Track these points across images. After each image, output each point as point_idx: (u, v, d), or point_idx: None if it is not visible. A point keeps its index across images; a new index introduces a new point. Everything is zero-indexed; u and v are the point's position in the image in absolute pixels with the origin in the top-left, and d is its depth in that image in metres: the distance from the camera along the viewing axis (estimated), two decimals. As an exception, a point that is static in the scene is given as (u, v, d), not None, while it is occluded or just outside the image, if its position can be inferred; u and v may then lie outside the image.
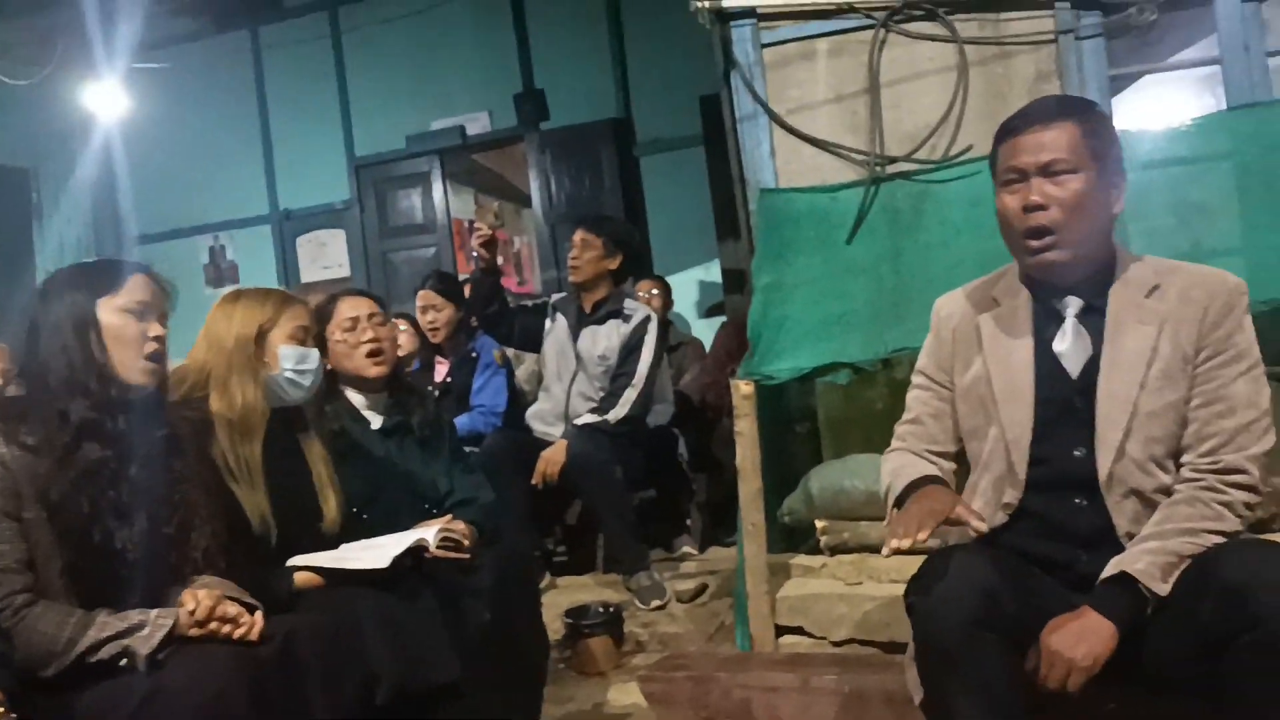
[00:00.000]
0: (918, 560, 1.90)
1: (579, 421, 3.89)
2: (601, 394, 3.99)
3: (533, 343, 4.25)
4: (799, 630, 3.00)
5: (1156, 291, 1.88)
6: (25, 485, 1.78)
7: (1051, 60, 3.47)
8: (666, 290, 5.46)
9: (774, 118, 3.61)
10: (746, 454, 3.00)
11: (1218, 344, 1.83)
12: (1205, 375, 1.83)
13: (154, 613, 1.79)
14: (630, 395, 3.92)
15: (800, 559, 3.20)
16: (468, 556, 2.44)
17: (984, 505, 1.96)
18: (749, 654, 2.98)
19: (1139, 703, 1.83)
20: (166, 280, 2.05)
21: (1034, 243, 1.88)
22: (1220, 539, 1.74)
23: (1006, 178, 1.92)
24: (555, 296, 4.33)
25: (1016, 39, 3.48)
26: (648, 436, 4.18)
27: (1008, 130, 1.94)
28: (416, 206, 7.54)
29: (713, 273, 6.65)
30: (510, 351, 4.68)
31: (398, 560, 2.25)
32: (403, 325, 4.63)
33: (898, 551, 1.74)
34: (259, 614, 1.90)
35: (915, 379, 2.13)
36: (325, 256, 7.72)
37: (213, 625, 1.81)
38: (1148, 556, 1.73)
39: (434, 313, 4.51)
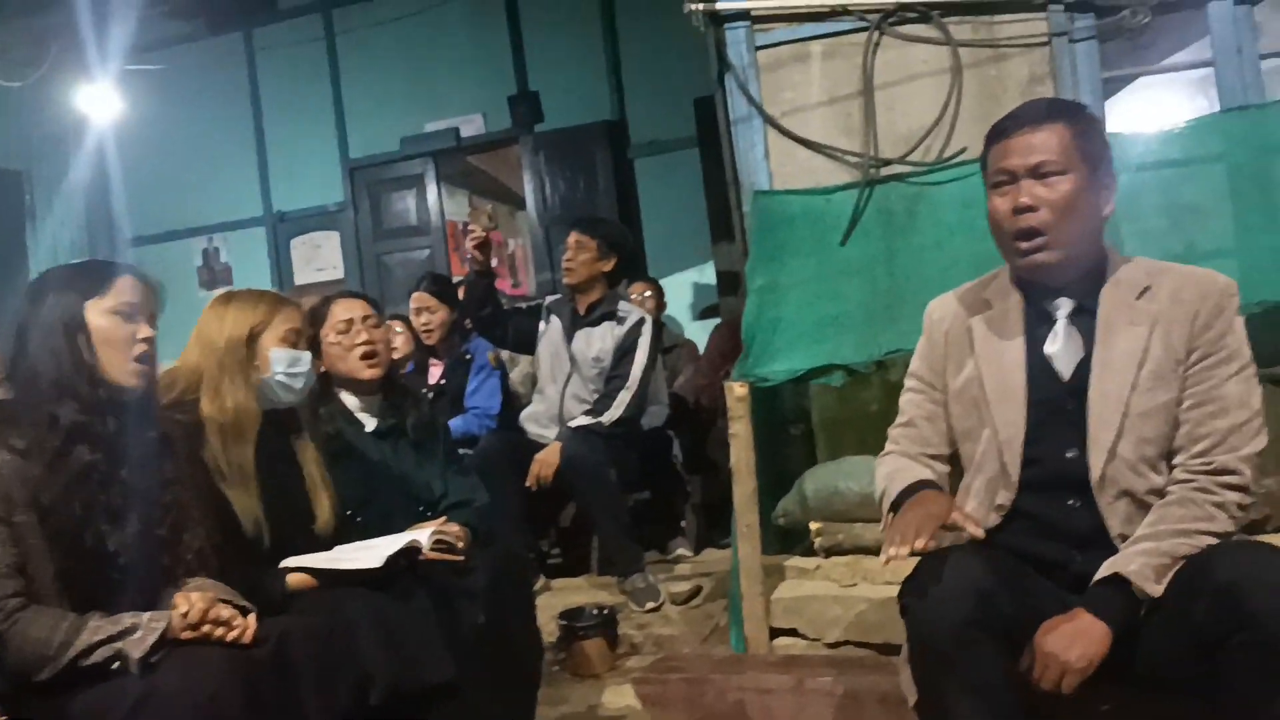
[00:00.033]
0: (912, 561, 1.90)
1: (573, 423, 3.89)
2: (596, 396, 3.99)
3: (527, 345, 4.25)
4: (793, 632, 3.00)
5: (1147, 293, 1.89)
6: (16, 489, 1.77)
7: (1045, 63, 3.47)
8: (659, 292, 5.46)
9: (768, 120, 3.61)
10: (741, 456, 3.00)
11: (1209, 345, 1.83)
12: (1197, 376, 1.84)
13: (146, 616, 1.78)
14: (624, 397, 3.91)
15: (795, 561, 3.20)
16: (461, 558, 2.44)
17: (977, 506, 1.96)
18: (743, 656, 2.98)
19: (1133, 703, 1.84)
20: (155, 281, 2.03)
21: (1024, 244, 1.89)
22: (1213, 540, 1.75)
23: (996, 180, 1.93)
24: (549, 298, 4.33)
25: (1010, 41, 3.49)
26: (642, 438, 4.18)
27: (998, 132, 1.95)
28: (411, 208, 7.54)
29: (707, 275, 6.66)
30: (505, 353, 4.68)
31: (391, 561, 2.24)
32: (398, 327, 4.63)
33: (895, 559, 1.74)
34: (252, 616, 1.89)
35: (908, 382, 2.14)
36: (319, 258, 7.71)
37: (206, 628, 1.80)
38: (1141, 558, 1.73)
39: (428, 314, 4.51)
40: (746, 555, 2.98)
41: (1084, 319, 1.92)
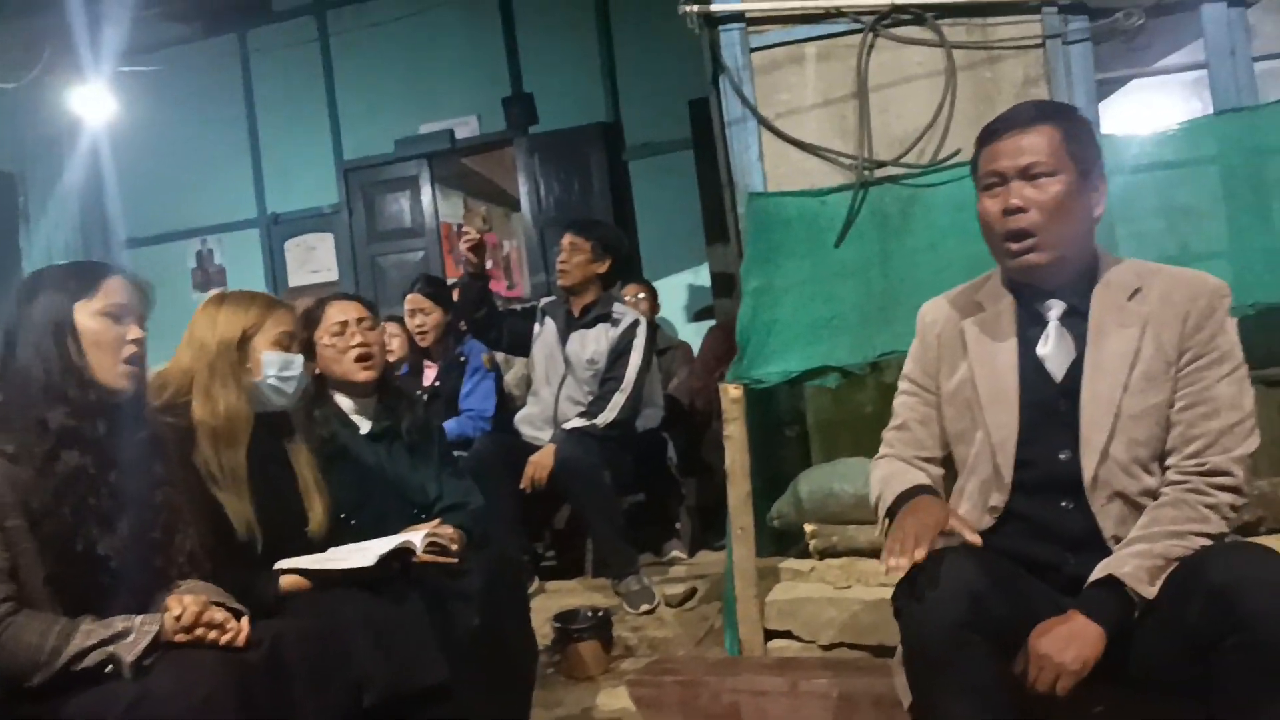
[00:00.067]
0: (909, 566, 1.90)
1: (567, 426, 3.89)
2: (590, 398, 3.99)
3: (521, 347, 4.25)
4: (788, 634, 2.99)
5: (1138, 294, 1.89)
6: (6, 493, 1.76)
7: (1039, 65, 3.48)
8: (653, 294, 5.46)
9: (763, 122, 3.61)
10: (735, 458, 3.00)
11: (1200, 346, 1.84)
12: (1189, 378, 1.84)
13: (139, 619, 1.78)
14: (619, 399, 3.92)
15: (789, 563, 3.20)
16: (455, 561, 2.43)
17: (971, 508, 1.96)
18: (738, 658, 2.98)
19: (1127, 705, 1.84)
20: (144, 281, 2.02)
21: (1014, 245, 1.90)
22: (1206, 541, 1.75)
23: (987, 181, 1.94)
24: (544, 300, 4.33)
25: (1004, 43, 3.49)
26: (637, 440, 4.18)
27: (988, 135, 1.96)
28: (405, 210, 7.53)
29: (702, 276, 6.66)
30: (500, 356, 4.68)
31: (384, 560, 2.24)
32: (393, 329, 4.62)
33: (895, 569, 1.73)
34: (245, 620, 1.88)
35: (901, 385, 2.14)
36: (313, 260, 7.70)
37: (199, 631, 1.80)
38: (1135, 559, 1.73)
39: (422, 316, 4.51)
40: (741, 557, 2.98)
41: (1075, 321, 1.92)
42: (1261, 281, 2.93)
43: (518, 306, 4.59)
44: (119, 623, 1.76)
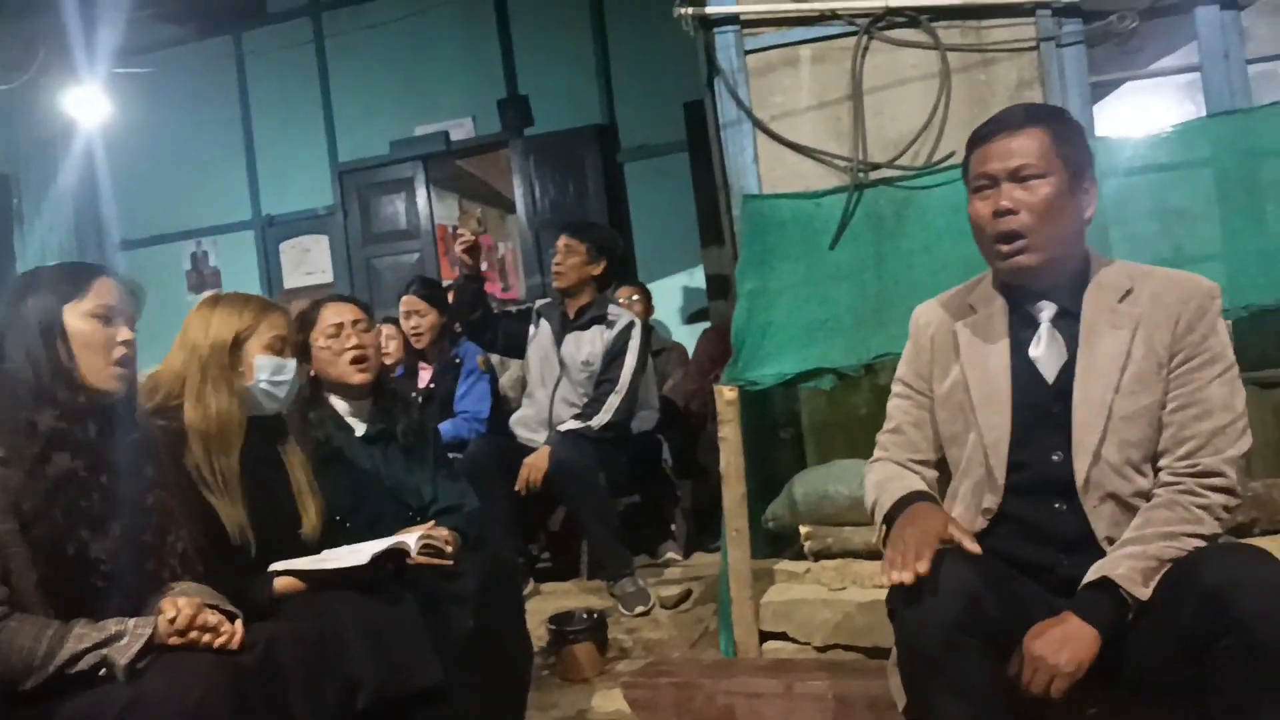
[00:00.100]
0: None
1: (562, 428, 3.89)
2: (585, 400, 3.98)
3: (516, 348, 4.24)
4: (783, 636, 3.00)
5: (1129, 296, 1.90)
6: (-3, 498, 1.75)
7: (1033, 67, 3.49)
8: (647, 296, 5.45)
9: (757, 124, 3.62)
10: (730, 460, 3.00)
11: (1192, 348, 1.84)
12: (1180, 379, 1.84)
13: (132, 622, 1.77)
14: (614, 401, 3.91)
15: (784, 564, 3.20)
16: (450, 563, 2.43)
17: (964, 510, 1.96)
18: (733, 660, 2.98)
19: (1121, 706, 1.84)
20: (133, 282, 2.01)
21: (1004, 247, 1.90)
22: (1200, 542, 1.75)
23: (978, 184, 1.95)
24: (539, 302, 4.33)
25: (998, 46, 3.50)
26: (632, 442, 4.18)
27: (978, 138, 1.96)
28: (400, 212, 7.53)
29: (697, 278, 6.66)
30: (495, 358, 4.68)
31: (378, 560, 2.23)
32: (390, 331, 4.62)
33: (898, 582, 1.73)
34: (239, 622, 1.88)
35: (895, 387, 2.14)
36: (308, 262, 7.69)
37: (193, 635, 1.79)
38: (1128, 561, 1.74)
39: (417, 318, 4.51)
40: (736, 559, 2.98)
41: (1067, 322, 1.93)
42: (1255, 284, 2.94)
43: (513, 308, 4.58)
44: (112, 625, 1.76)
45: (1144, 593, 1.71)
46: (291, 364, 2.38)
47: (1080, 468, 1.85)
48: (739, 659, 2.96)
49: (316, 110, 7.56)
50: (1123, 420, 1.85)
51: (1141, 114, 5.48)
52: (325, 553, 2.33)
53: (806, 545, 3.15)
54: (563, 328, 4.08)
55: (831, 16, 3.56)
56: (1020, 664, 1.74)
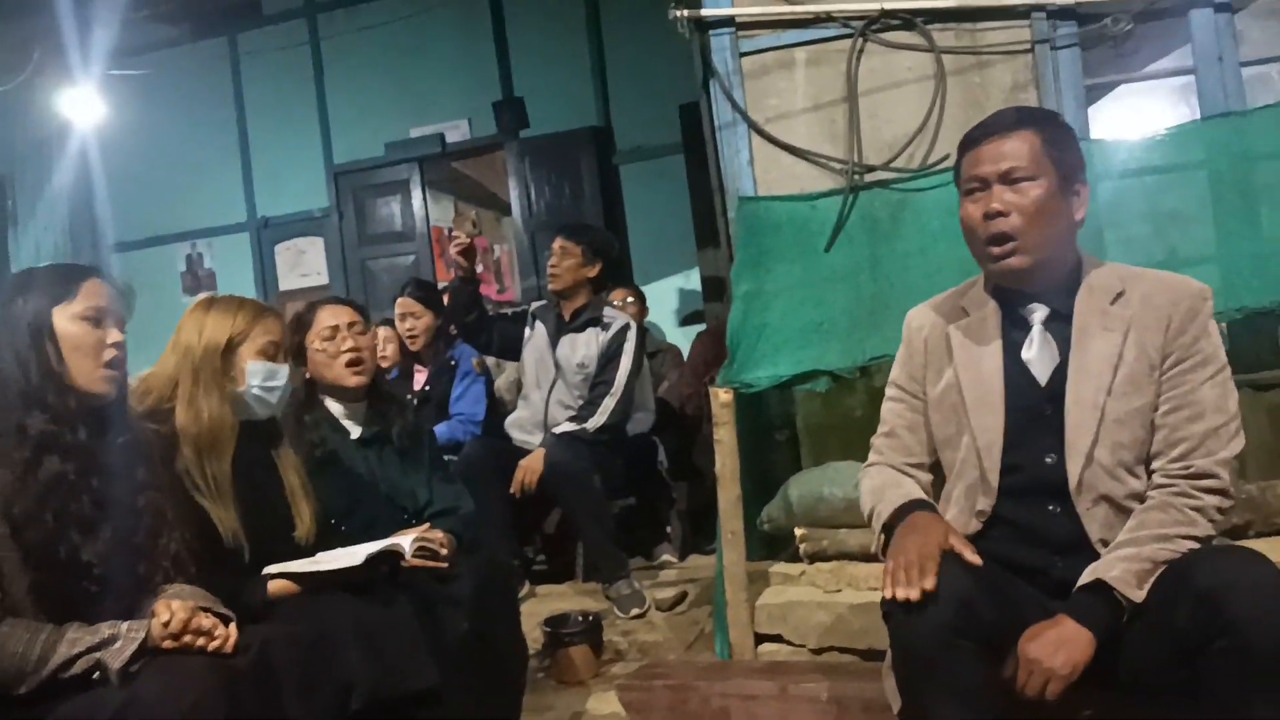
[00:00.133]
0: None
1: (558, 430, 3.89)
2: (580, 402, 3.98)
3: (512, 351, 4.24)
4: (778, 638, 3.00)
5: (1121, 298, 1.91)
6: (-12, 502, 1.74)
7: (1028, 70, 3.49)
8: (641, 298, 5.45)
9: (753, 126, 3.62)
10: (725, 462, 3.00)
11: (1183, 349, 1.85)
12: (1172, 381, 1.85)
13: (125, 625, 1.76)
14: (609, 403, 3.91)
15: (779, 566, 3.20)
16: (445, 565, 2.43)
17: (958, 513, 1.97)
18: (728, 662, 2.98)
19: (1116, 708, 1.84)
20: (124, 284, 2.00)
21: (995, 249, 1.91)
22: (1194, 544, 1.76)
23: (969, 187, 1.96)
24: (534, 304, 4.33)
25: (993, 48, 3.50)
26: (627, 444, 4.18)
27: (970, 141, 1.97)
28: (395, 214, 7.54)
29: (692, 281, 6.67)
30: (491, 360, 4.68)
31: (372, 563, 2.23)
32: (387, 334, 4.61)
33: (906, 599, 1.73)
34: (233, 625, 1.87)
35: (889, 391, 2.15)
36: (303, 264, 7.70)
37: (187, 638, 1.78)
38: (1122, 564, 1.74)
39: (412, 320, 4.51)
40: (731, 561, 2.98)
41: (1059, 325, 1.94)
42: (1249, 286, 2.94)
43: (508, 310, 4.58)
44: (105, 629, 1.75)
45: (1138, 595, 1.71)
46: (284, 370, 2.36)
47: (1073, 470, 1.86)
48: (734, 661, 2.96)
49: (312, 112, 7.56)
50: (1115, 422, 1.85)
51: (1136, 117, 5.49)
52: (319, 555, 2.33)
53: (802, 547, 3.15)
54: (558, 330, 4.08)
55: (826, 19, 3.56)
56: (1015, 666, 1.74)
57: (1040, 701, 1.70)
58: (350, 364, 2.74)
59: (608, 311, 4.12)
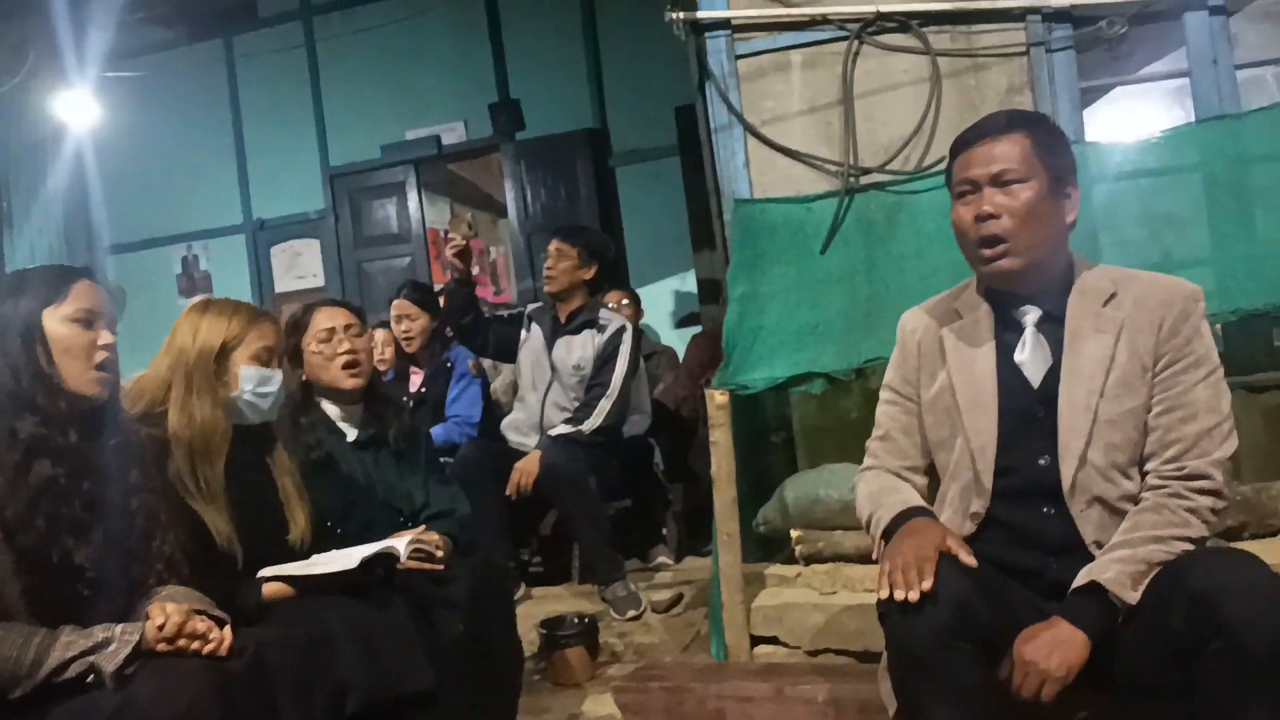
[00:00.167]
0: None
1: (553, 432, 3.89)
2: (576, 404, 3.98)
3: (508, 353, 4.24)
4: (774, 640, 3.00)
5: (1113, 300, 1.91)
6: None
7: (1023, 72, 3.50)
8: (636, 301, 5.45)
9: (749, 129, 3.62)
10: (721, 463, 3.00)
11: (1176, 351, 1.85)
12: (1165, 382, 1.85)
13: (119, 628, 1.76)
14: (605, 405, 3.91)
15: (775, 568, 3.20)
16: (440, 567, 2.43)
17: (952, 515, 1.97)
18: (724, 664, 2.98)
19: (1111, 710, 1.84)
20: (113, 285, 1.99)
21: (987, 251, 1.91)
22: (1188, 545, 1.76)
23: (960, 190, 1.96)
24: (530, 306, 4.33)
25: (988, 51, 3.51)
26: (623, 446, 4.18)
27: (961, 144, 1.98)
28: (391, 216, 7.53)
29: (688, 283, 6.67)
30: (487, 362, 4.67)
31: (368, 565, 2.22)
32: (385, 337, 4.61)
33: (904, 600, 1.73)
34: (227, 628, 1.86)
35: (883, 394, 2.15)
36: (299, 266, 7.69)
37: (181, 642, 1.77)
38: (1117, 565, 1.74)
39: (408, 322, 4.50)
40: (727, 563, 2.99)
41: (1052, 327, 1.94)
42: (1244, 288, 2.95)
43: (504, 312, 4.58)
44: (99, 632, 1.74)
45: (1133, 597, 1.72)
46: (277, 375, 2.35)
47: (1066, 472, 1.86)
48: (730, 663, 2.96)
49: (307, 114, 7.56)
50: (1108, 424, 1.85)
51: (1131, 119, 5.49)
52: (314, 557, 2.32)
53: (797, 549, 3.16)
54: (554, 332, 4.08)
55: (822, 21, 3.56)
56: (1011, 668, 1.74)
57: (1036, 703, 1.71)
58: (347, 366, 2.73)
59: (604, 314, 4.12)
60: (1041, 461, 1.89)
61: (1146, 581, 1.73)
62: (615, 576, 3.75)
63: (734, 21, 3.62)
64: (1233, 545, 2.56)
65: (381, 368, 4.44)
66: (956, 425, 1.97)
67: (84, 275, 1.94)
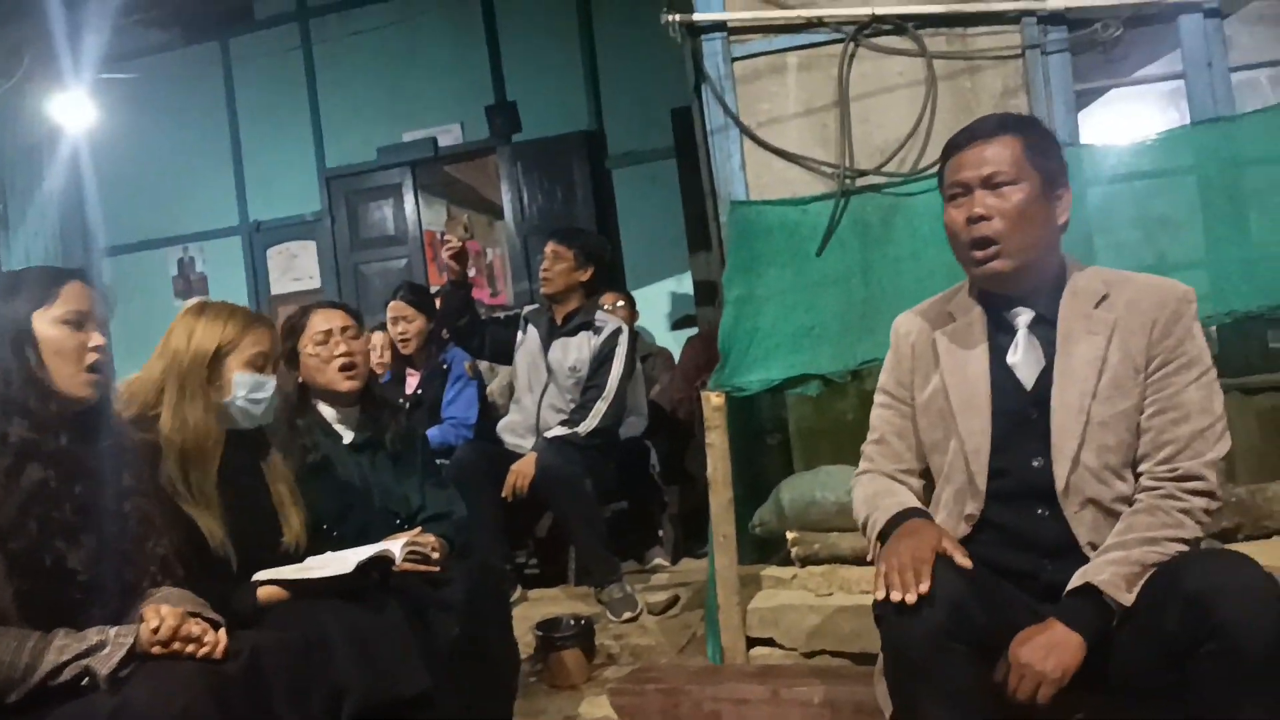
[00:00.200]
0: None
1: (549, 434, 3.89)
2: (572, 406, 3.99)
3: (504, 354, 4.24)
4: (770, 642, 3.00)
5: (1105, 301, 1.92)
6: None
7: (1018, 75, 3.50)
8: (631, 303, 5.45)
9: (745, 131, 3.62)
10: (717, 465, 3.00)
11: (1168, 352, 1.86)
12: (1158, 384, 1.86)
13: (113, 631, 1.75)
14: (601, 407, 3.92)
15: (771, 570, 3.21)
16: (436, 569, 2.43)
17: (947, 517, 1.97)
18: (720, 666, 2.98)
19: (1106, 711, 1.85)
20: (104, 286, 1.98)
21: (978, 253, 1.92)
22: (1182, 546, 1.76)
23: (952, 192, 1.97)
24: (527, 308, 4.33)
25: (984, 54, 3.52)
26: (619, 448, 4.18)
27: (952, 147, 1.99)
28: (388, 218, 7.53)
29: (684, 285, 6.67)
30: (483, 364, 4.67)
31: (363, 568, 2.22)
32: (382, 340, 4.60)
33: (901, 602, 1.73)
34: (223, 631, 1.85)
35: (878, 398, 2.15)
36: (296, 268, 7.68)
37: (176, 645, 1.76)
38: (1111, 567, 1.75)
39: (404, 324, 4.50)
40: (723, 565, 2.99)
41: (1044, 329, 1.95)
42: (1238, 290, 2.95)
43: (501, 314, 4.58)
44: (93, 635, 1.74)
45: (1127, 598, 1.72)
46: (271, 381, 2.33)
47: (1060, 473, 1.86)
48: (726, 665, 2.97)
49: (304, 116, 7.55)
50: (1100, 425, 1.86)
51: (1126, 122, 5.50)
52: (310, 560, 2.32)
53: (794, 551, 3.16)
54: (550, 334, 4.08)
55: (818, 24, 3.57)
56: (1006, 670, 1.74)
57: (1031, 705, 1.71)
58: (343, 369, 2.72)
59: (600, 315, 4.12)
60: (1035, 463, 1.89)
61: (1141, 583, 1.74)
62: (611, 578, 3.75)
63: (730, 24, 3.62)
64: (1227, 547, 2.56)
65: (379, 371, 4.44)
66: (950, 428, 1.98)
67: (75, 277, 1.93)
